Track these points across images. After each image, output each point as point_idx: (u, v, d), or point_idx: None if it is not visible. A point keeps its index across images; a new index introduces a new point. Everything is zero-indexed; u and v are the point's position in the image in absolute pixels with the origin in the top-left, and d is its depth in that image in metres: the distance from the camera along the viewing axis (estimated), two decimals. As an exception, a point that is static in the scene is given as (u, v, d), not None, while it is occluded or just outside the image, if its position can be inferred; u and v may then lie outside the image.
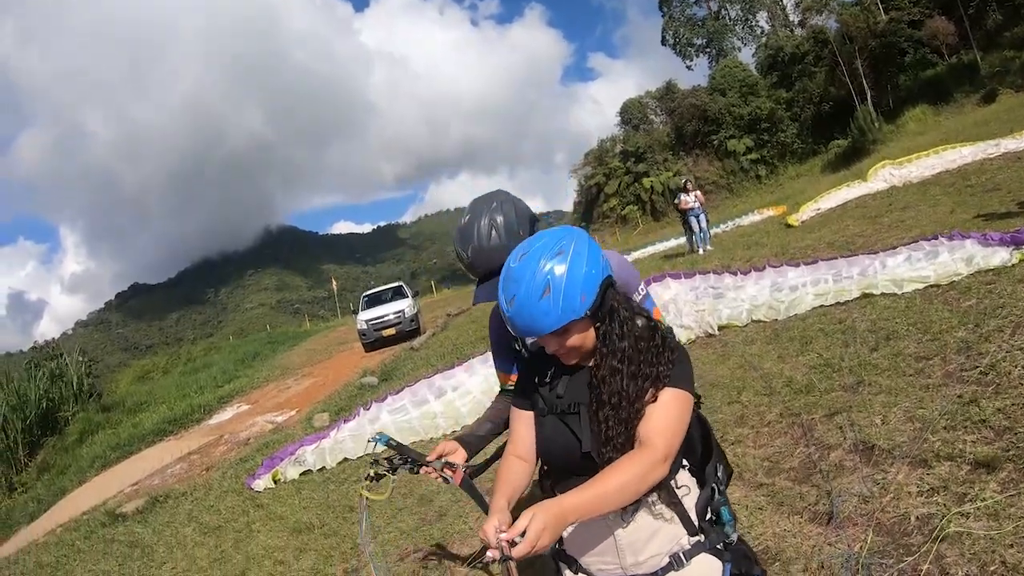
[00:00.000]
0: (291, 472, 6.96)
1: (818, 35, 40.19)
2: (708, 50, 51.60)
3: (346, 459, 6.86)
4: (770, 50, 44.34)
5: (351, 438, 7.30)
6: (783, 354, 5.47)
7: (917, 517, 2.78)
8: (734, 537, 1.60)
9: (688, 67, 52.98)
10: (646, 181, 44.36)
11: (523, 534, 1.24)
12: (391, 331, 16.60)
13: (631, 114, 49.01)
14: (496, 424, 2.22)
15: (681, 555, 1.54)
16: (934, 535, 2.60)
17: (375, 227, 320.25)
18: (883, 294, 5.87)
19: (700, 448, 1.65)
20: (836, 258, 7.35)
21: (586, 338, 1.51)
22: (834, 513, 3.00)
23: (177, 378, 21.18)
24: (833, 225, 10.83)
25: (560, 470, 1.61)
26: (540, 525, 1.23)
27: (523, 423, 1.66)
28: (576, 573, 1.62)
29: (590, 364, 1.57)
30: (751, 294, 7.33)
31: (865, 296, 6.01)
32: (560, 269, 1.43)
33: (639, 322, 1.54)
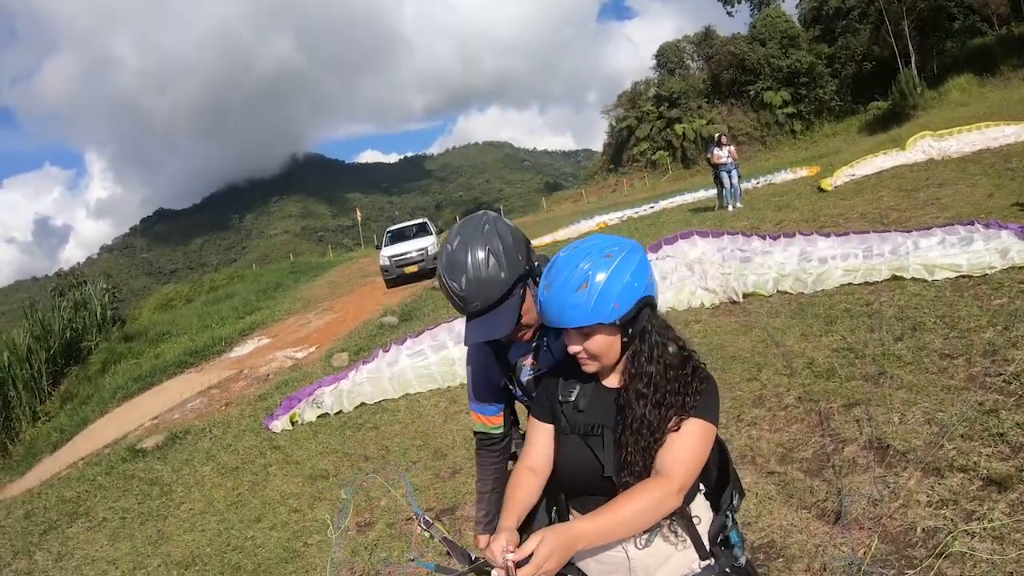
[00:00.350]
0: (308, 414, 7.09)
1: (866, -10, 38.55)
2: (750, -4, 49.57)
3: (363, 403, 6.95)
4: (815, 2, 42.36)
5: (369, 381, 7.34)
6: (807, 332, 5.40)
7: (923, 529, 2.76)
8: (743, 561, 1.60)
9: (729, 13, 50.70)
10: (678, 127, 43.38)
11: (530, 556, 1.24)
12: (413, 268, 16.57)
13: (667, 58, 47.54)
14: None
15: None
16: (938, 551, 2.59)
17: (402, 157, 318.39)
18: (913, 279, 5.73)
19: (716, 475, 1.64)
20: (868, 232, 7.16)
21: (610, 348, 1.49)
22: (842, 513, 2.99)
23: (199, 308, 21.44)
24: (867, 194, 10.54)
25: (577, 489, 1.61)
26: (548, 550, 1.23)
27: (542, 435, 1.65)
28: None
29: (616, 385, 1.55)
30: (779, 261, 7.20)
31: (895, 279, 5.88)
32: (603, 270, 1.42)
33: (671, 348, 1.51)
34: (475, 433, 2.10)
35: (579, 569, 1.59)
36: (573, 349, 1.51)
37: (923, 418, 3.56)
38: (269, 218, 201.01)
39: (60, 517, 6.45)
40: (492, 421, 2.05)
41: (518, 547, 1.29)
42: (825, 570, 2.71)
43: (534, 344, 1.87)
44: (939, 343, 4.41)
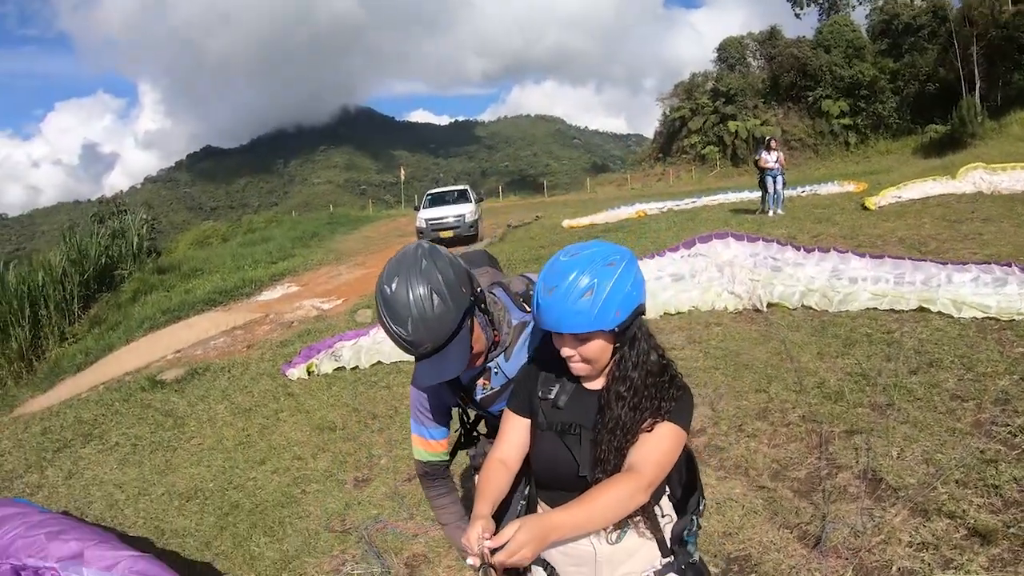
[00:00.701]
0: (325, 366, 7.21)
1: (938, 10, 37.27)
2: (821, 1, 48.07)
3: (380, 362, 7.04)
4: (885, 15, 41.17)
5: (388, 340, 7.43)
6: (824, 351, 5.37)
7: (899, 568, 2.75)
8: (696, 557, 1.67)
9: (797, 15, 49.52)
10: (732, 124, 42.57)
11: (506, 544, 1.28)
12: (449, 233, 16.79)
13: (729, 52, 46.57)
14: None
15: (652, 574, 1.60)
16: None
17: (452, 120, 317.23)
18: (939, 313, 5.64)
19: (680, 479, 1.69)
20: (903, 259, 7.03)
21: (603, 354, 1.53)
22: (822, 539, 3.00)
23: (234, 248, 21.67)
24: (910, 219, 10.31)
25: (549, 484, 1.65)
26: (525, 537, 1.27)
27: (517, 429, 1.68)
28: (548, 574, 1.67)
29: (598, 387, 1.59)
30: (809, 275, 7.12)
31: (921, 310, 5.79)
32: (608, 277, 1.45)
33: (653, 356, 1.56)
34: (417, 463, 1.99)
35: (545, 560, 1.65)
36: (567, 353, 1.54)
37: (922, 456, 3.54)
38: (314, 166, 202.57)
39: (75, 437, 6.64)
40: (437, 447, 1.97)
41: (494, 535, 1.32)
42: (794, 592, 2.74)
43: (486, 366, 1.85)
44: (952, 383, 4.35)
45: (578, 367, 1.56)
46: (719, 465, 3.92)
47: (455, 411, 2.04)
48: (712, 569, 2.99)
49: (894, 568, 2.76)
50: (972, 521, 2.93)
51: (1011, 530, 2.83)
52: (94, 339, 11.75)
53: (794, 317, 6.37)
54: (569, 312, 1.45)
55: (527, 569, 1.67)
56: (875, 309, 6.06)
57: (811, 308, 6.49)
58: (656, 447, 1.48)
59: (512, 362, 1.85)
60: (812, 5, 48.41)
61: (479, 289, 1.69)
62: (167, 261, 18.86)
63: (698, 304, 7.15)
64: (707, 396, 4.89)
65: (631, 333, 1.53)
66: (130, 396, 7.56)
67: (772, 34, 45.22)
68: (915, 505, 3.12)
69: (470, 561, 1.29)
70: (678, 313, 7.09)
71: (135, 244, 17.53)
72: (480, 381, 1.89)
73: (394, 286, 1.56)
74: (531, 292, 1.82)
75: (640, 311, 1.52)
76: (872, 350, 5.18)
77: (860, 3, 46.02)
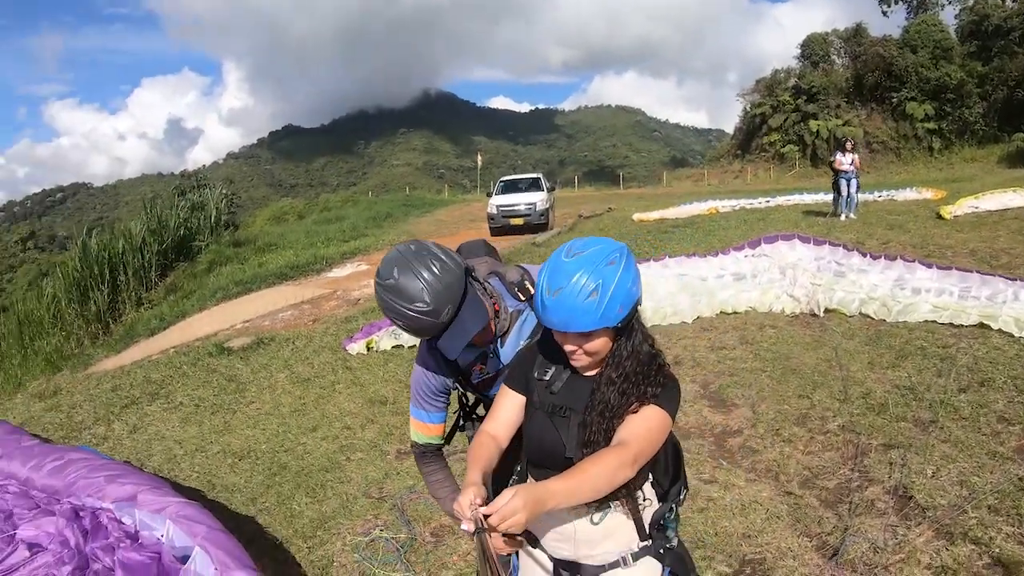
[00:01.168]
0: (385, 343, 7.40)
1: (1031, 12, 34.67)
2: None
3: (440, 343, 7.23)
4: (975, 16, 38.68)
5: None
6: (875, 361, 5.27)
7: (913, 590, 2.72)
8: (675, 542, 1.72)
9: (884, 12, 46.90)
10: (813, 123, 40.97)
11: None
12: (519, 221, 16.89)
13: (812, 49, 44.68)
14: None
15: (629, 556, 1.67)
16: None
17: (532, 108, 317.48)
18: (1000, 331, 5.43)
19: (667, 469, 1.74)
20: (972, 272, 6.76)
21: (605, 347, 1.59)
22: (840, 551, 2.99)
23: (309, 225, 22.33)
24: (984, 231, 9.85)
25: (539, 462, 1.72)
26: (519, 503, 1.28)
27: (510, 404, 1.74)
28: (533, 547, 1.76)
29: (591, 374, 1.66)
30: (872, 282, 6.97)
31: (981, 326, 5.59)
32: (612, 276, 1.50)
33: (645, 347, 1.62)
34: (413, 443, 2.12)
35: (531, 532, 1.74)
36: (570, 349, 1.60)
37: (957, 478, 3.46)
38: (393, 148, 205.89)
39: (143, 395, 7.02)
40: (435, 431, 2.08)
41: (487, 502, 1.37)
42: (802, 601, 2.75)
43: (481, 351, 1.97)
44: (1002, 404, 4.21)
45: (580, 361, 1.62)
46: (750, 467, 3.93)
47: (455, 394, 2.15)
48: (724, 568, 3.03)
49: (908, 589, 2.72)
50: (997, 550, 2.86)
51: (1034, 563, 2.75)
52: (169, 306, 12.26)
53: (850, 324, 6.26)
54: (576, 312, 1.50)
55: (519, 540, 1.69)
56: (934, 322, 5.89)
57: (869, 316, 6.37)
58: (641, 425, 1.54)
59: (507, 348, 1.97)
60: (899, 3, 45.84)
61: (465, 264, 1.81)
62: (243, 235, 19.55)
63: (756, 305, 7.09)
64: (749, 398, 4.88)
65: (630, 326, 1.59)
66: (198, 360, 7.89)
67: (857, 31, 43.21)
68: (941, 527, 3.07)
69: (464, 527, 1.31)
70: (735, 313, 7.04)
71: (213, 217, 18.16)
72: (476, 367, 2.00)
73: (395, 274, 1.69)
74: (526, 281, 1.95)
75: (638, 304, 1.58)
76: (924, 364, 5.04)
77: (949, 2, 43.42)
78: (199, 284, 13.72)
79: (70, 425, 6.41)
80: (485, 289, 1.92)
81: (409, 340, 7.30)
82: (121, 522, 2.74)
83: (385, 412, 5.61)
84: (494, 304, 1.92)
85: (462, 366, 2.00)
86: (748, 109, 47.47)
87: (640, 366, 1.59)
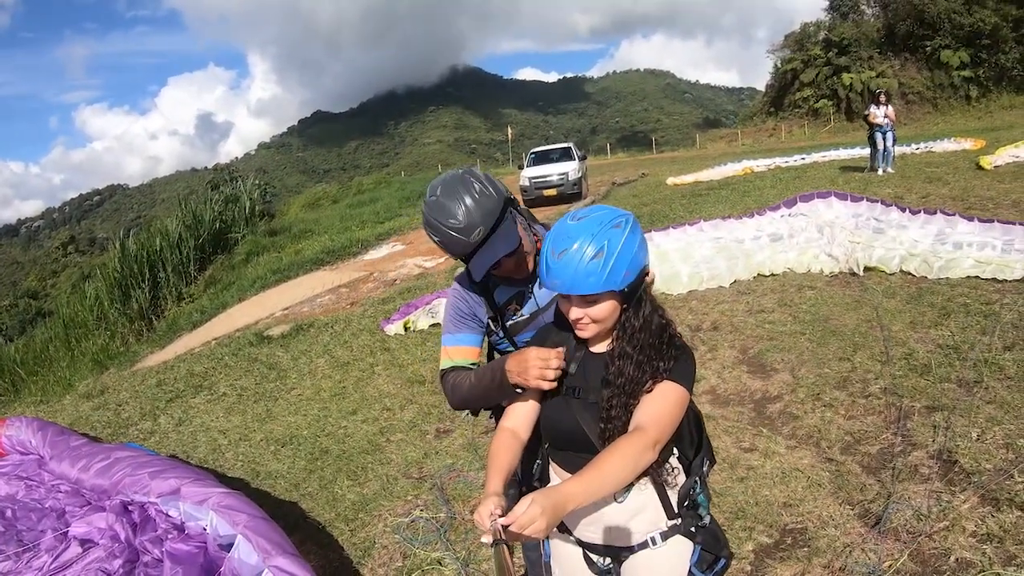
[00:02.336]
0: (422, 322, 7.43)
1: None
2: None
3: (477, 319, 7.24)
4: None
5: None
6: (917, 320, 5.13)
7: (957, 559, 2.65)
8: (707, 520, 1.71)
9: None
10: (846, 77, 39.75)
11: None
12: (552, 192, 16.84)
13: (841, 0, 43.18)
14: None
15: (658, 535, 1.67)
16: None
17: (561, 77, 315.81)
18: (1046, 285, 5.23)
19: (690, 441, 1.72)
20: (1014, 224, 6.52)
21: (611, 314, 1.58)
22: (883, 519, 2.94)
23: (343, 209, 22.47)
24: (1027, 179, 9.45)
25: (559, 445, 1.73)
26: (537, 511, 1.26)
27: (527, 395, 1.73)
28: (562, 531, 1.77)
29: (604, 350, 1.65)
30: (912, 238, 6.77)
31: (1026, 281, 5.39)
32: (617, 239, 1.49)
33: (656, 318, 1.61)
34: (442, 371, 1.99)
35: (566, 525, 1.74)
36: (575, 315, 1.58)
37: (1003, 441, 3.36)
38: (424, 127, 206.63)
39: (187, 388, 7.15)
40: (468, 353, 1.99)
41: (506, 511, 1.34)
42: (844, 571, 2.71)
43: (519, 290, 2.00)
44: (1049, 363, 4.06)
45: (586, 329, 1.60)
46: (791, 434, 3.89)
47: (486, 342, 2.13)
48: (765, 539, 3.01)
49: (952, 558, 2.67)
50: (1045, 517, 2.77)
51: (1083, 528, 2.67)
52: (209, 299, 12.45)
53: (891, 283, 6.11)
54: (581, 274, 1.49)
55: None
56: (977, 278, 5.71)
57: (910, 274, 6.21)
58: (659, 405, 1.52)
59: (544, 292, 1.98)
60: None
61: (511, 195, 1.90)
62: (279, 224, 19.75)
63: (794, 266, 6.97)
64: (789, 362, 4.82)
65: (638, 294, 1.57)
66: (239, 351, 8.02)
67: (887, -21, 41.56)
68: (987, 492, 2.99)
69: (484, 539, 1.29)
70: (772, 275, 6.93)
71: (247, 208, 18.33)
72: (512, 306, 2.01)
73: (438, 191, 1.82)
74: None
75: (645, 272, 1.57)
76: (968, 322, 4.89)
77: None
78: (237, 275, 13.89)
79: (118, 422, 6.56)
80: (530, 226, 1.98)
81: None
82: (168, 515, 2.83)
83: (424, 392, 5.66)
84: (537, 241, 1.97)
85: (499, 303, 2.02)
86: (779, 65, 46.42)
87: (652, 338, 1.58)
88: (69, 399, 7.97)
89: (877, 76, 38.04)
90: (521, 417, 1.72)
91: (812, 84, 42.03)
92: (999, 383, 3.92)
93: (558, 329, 1.76)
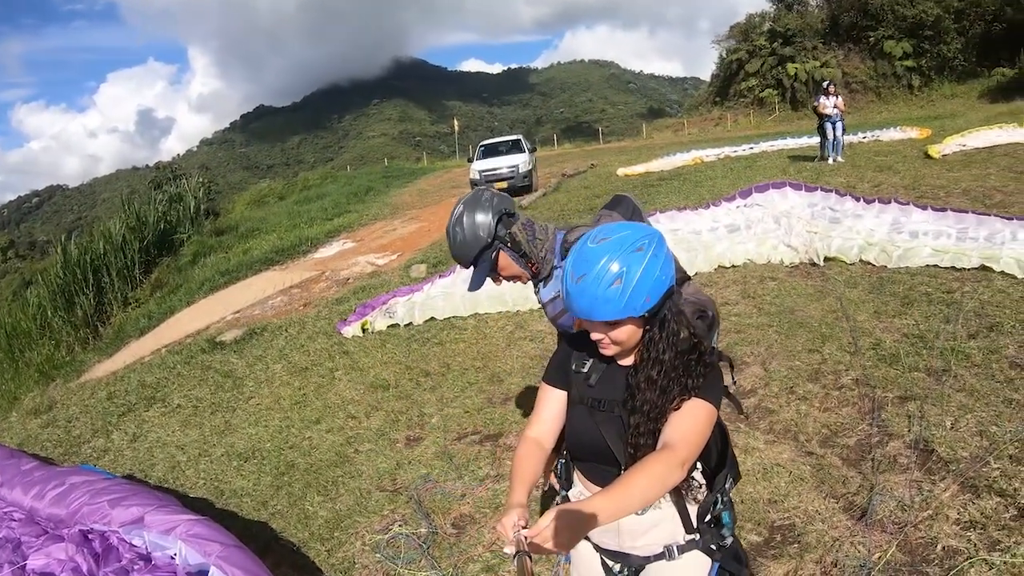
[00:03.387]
0: (380, 323, 7.29)
1: (1006, -55, 34.21)
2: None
3: (433, 318, 7.10)
4: None
5: (442, 296, 7.42)
6: (881, 310, 5.22)
7: (944, 547, 2.69)
8: (729, 540, 1.68)
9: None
10: (791, 67, 40.58)
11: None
12: (503, 184, 16.58)
13: (785, -9, 44.21)
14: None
15: (674, 548, 1.64)
16: (951, 574, 2.53)
17: (505, 68, 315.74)
18: (1002, 273, 5.38)
19: (716, 456, 1.70)
20: (967, 212, 6.68)
21: (632, 337, 1.54)
22: (869, 511, 2.96)
23: (290, 206, 21.91)
24: (975, 169, 9.77)
25: (581, 454, 1.70)
26: (562, 525, 1.27)
27: (552, 403, 1.70)
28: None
29: (628, 363, 1.61)
30: (868, 227, 6.87)
31: (983, 268, 5.54)
32: (638, 264, 1.44)
33: (683, 334, 1.56)
34: None
35: None
36: (596, 336, 1.55)
37: (976, 428, 3.42)
38: (368, 120, 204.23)
39: (139, 400, 6.85)
40: None
41: (528, 523, 1.34)
42: (836, 566, 2.71)
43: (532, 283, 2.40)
44: (1013, 350, 4.16)
45: (608, 348, 1.56)
46: (768, 428, 3.89)
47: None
48: (755, 537, 2.99)
49: (939, 547, 2.70)
50: (1023, 501, 2.83)
51: (1064, 513, 2.73)
52: (156, 303, 12.08)
53: (851, 272, 6.21)
54: (599, 300, 1.45)
55: None
56: (936, 266, 5.84)
57: (869, 263, 6.32)
58: (687, 423, 1.49)
59: (546, 291, 2.37)
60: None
61: (508, 233, 2.24)
62: (225, 222, 19.23)
63: (754, 257, 7.03)
64: (759, 355, 4.83)
65: (661, 315, 1.52)
66: (191, 358, 7.73)
67: (831, -30, 42.68)
68: (966, 480, 3.03)
69: (507, 550, 1.30)
70: (733, 267, 6.97)
71: (192, 207, 17.90)
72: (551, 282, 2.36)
73: (455, 212, 2.25)
74: None
75: (670, 293, 1.51)
76: (931, 310, 4.99)
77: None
78: (184, 278, 13.49)
79: (69, 440, 6.26)
80: (524, 254, 2.29)
81: (404, 319, 7.19)
82: (132, 544, 2.65)
83: (388, 397, 5.52)
84: (532, 267, 2.32)
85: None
86: (724, 55, 47.08)
87: (679, 357, 1.53)
88: (16, 416, 7.60)
89: (821, 66, 38.91)
90: (546, 424, 1.69)
91: (757, 74, 42.75)
92: (967, 371, 4.00)
93: (577, 341, 1.74)
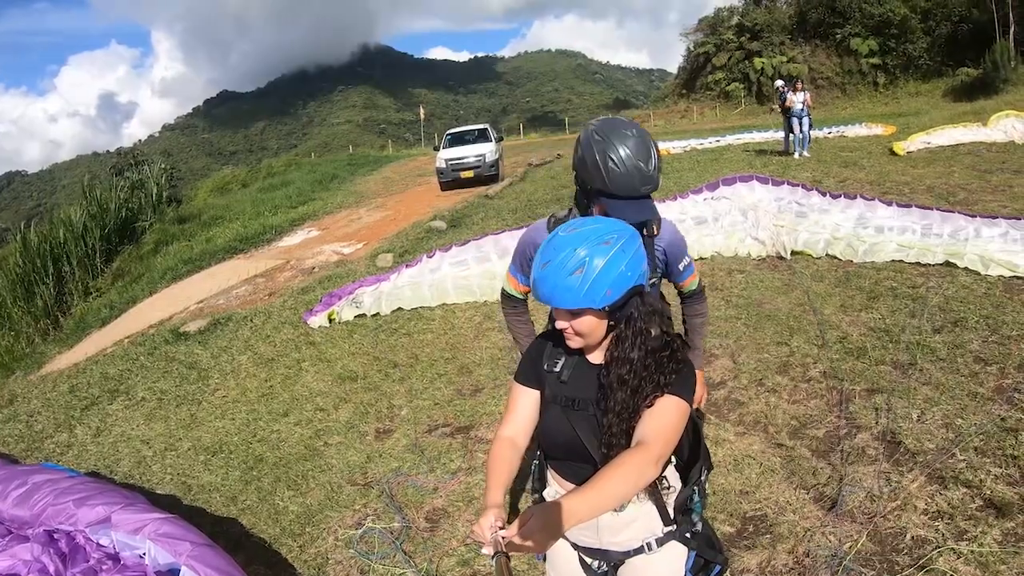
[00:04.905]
0: (347, 313, 7.20)
1: (972, -53, 35.13)
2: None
3: (401, 308, 7.02)
4: None
5: (409, 286, 7.34)
6: (847, 304, 5.32)
7: (913, 537, 2.75)
8: (699, 525, 1.72)
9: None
10: (757, 61, 41.24)
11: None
12: (469, 173, 16.67)
13: (755, -14, 44.78)
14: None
15: (653, 542, 1.67)
16: (920, 563, 2.59)
17: (472, 57, 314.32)
18: (966, 269, 5.53)
19: (688, 449, 1.72)
20: (931, 209, 6.82)
21: (595, 329, 1.55)
22: (839, 502, 3.01)
23: (254, 194, 21.56)
24: (939, 166, 10.05)
25: (555, 453, 1.70)
26: (538, 525, 1.27)
27: (525, 402, 1.70)
28: None
29: (599, 361, 1.62)
30: (835, 222, 6.98)
31: (948, 264, 5.69)
32: (600, 257, 1.45)
33: (653, 332, 1.56)
34: (503, 294, 2.42)
35: None
36: (560, 325, 1.56)
37: (942, 421, 3.50)
38: (332, 107, 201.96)
39: (102, 393, 6.63)
40: (524, 288, 2.34)
41: (506, 523, 1.34)
42: (808, 556, 2.75)
43: None
44: (976, 344, 4.28)
45: (571, 339, 1.58)
46: (738, 420, 3.93)
47: None
48: (727, 528, 3.02)
49: (908, 536, 2.76)
50: (988, 492, 2.90)
51: (1026, 502, 2.80)
52: (118, 292, 11.79)
53: (818, 266, 6.32)
54: (559, 287, 1.47)
55: None
56: (901, 261, 5.98)
57: (836, 257, 6.44)
58: (662, 421, 1.50)
59: None
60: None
61: None
62: (187, 210, 18.80)
63: (721, 249, 7.10)
64: (728, 347, 4.88)
65: (627, 312, 1.53)
66: (154, 350, 7.54)
67: (800, -33, 43.32)
68: (932, 471, 3.10)
69: (485, 550, 1.31)
70: (700, 259, 7.02)
71: (154, 195, 17.47)
72: None
73: (635, 131, 1.94)
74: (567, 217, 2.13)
75: (636, 292, 1.52)
76: (896, 305, 5.10)
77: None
78: (147, 267, 13.15)
79: (31, 436, 6.01)
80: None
81: (371, 309, 7.10)
82: (99, 544, 2.57)
83: (357, 389, 5.45)
84: None
85: None
86: (692, 48, 47.52)
87: (650, 355, 1.53)
88: (-25, 410, 7.25)
89: (788, 61, 39.57)
90: (520, 423, 1.69)
91: (724, 67, 43.32)
92: (932, 365, 4.10)
93: (549, 339, 1.74)
